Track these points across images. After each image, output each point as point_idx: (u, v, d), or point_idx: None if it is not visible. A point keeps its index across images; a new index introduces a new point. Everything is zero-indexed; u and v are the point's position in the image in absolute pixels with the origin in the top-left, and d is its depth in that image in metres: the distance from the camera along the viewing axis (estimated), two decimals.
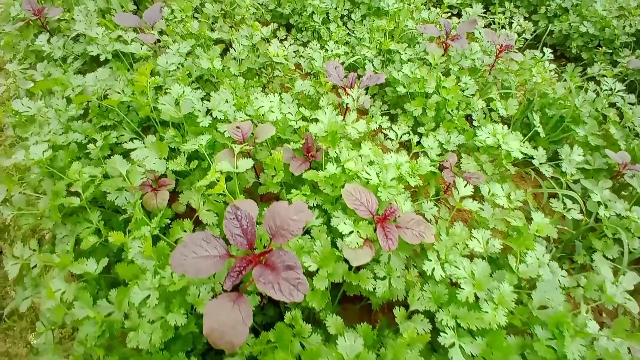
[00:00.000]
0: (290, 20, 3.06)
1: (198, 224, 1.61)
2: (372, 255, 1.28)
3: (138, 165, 1.62)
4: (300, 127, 1.79)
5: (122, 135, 1.90)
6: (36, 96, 2.59)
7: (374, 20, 2.88)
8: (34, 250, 1.60)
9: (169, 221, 1.54)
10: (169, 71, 1.96)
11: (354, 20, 2.95)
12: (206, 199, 1.62)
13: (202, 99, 1.82)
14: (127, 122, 1.93)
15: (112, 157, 1.69)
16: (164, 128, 1.96)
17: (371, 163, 1.60)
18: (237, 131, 1.70)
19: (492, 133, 1.87)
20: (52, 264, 1.52)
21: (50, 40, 2.38)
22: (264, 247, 1.37)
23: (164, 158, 1.62)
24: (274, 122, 1.74)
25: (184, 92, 1.78)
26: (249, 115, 1.81)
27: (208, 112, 1.75)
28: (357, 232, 1.32)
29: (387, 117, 2.03)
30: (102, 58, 2.04)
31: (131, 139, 1.77)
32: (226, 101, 1.83)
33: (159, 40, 2.29)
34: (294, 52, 2.64)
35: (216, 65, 2.10)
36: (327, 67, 2.21)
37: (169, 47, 2.24)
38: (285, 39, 3.01)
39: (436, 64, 2.31)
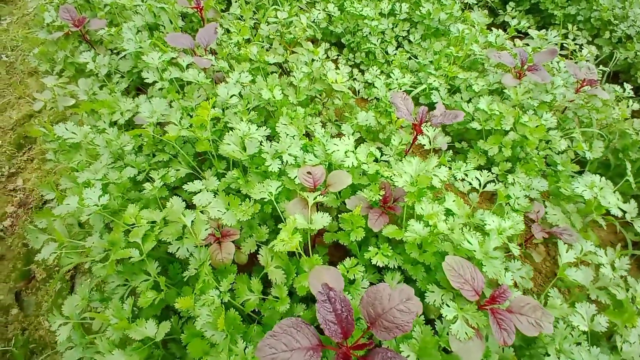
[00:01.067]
0: (342, 39, 2.88)
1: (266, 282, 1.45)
2: (484, 348, 1.09)
3: (200, 211, 1.47)
4: (367, 167, 1.61)
5: (177, 170, 1.74)
6: (80, 118, 2.47)
7: (433, 43, 2.68)
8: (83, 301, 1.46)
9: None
10: (229, 103, 1.80)
11: (411, 42, 2.75)
12: (274, 254, 1.45)
13: (268, 138, 1.65)
14: (182, 155, 1.78)
15: (170, 198, 1.54)
16: (220, 161, 1.81)
17: (466, 226, 1.41)
18: (308, 177, 1.53)
19: (589, 186, 1.66)
20: (106, 323, 1.37)
21: (95, 58, 2.25)
22: (362, 330, 1.19)
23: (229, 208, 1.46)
24: (349, 169, 1.56)
25: (249, 129, 1.62)
26: (318, 157, 1.63)
27: (276, 154, 1.58)
28: (464, 319, 1.14)
29: (450, 153, 1.84)
30: (158, 86, 1.89)
31: (190, 179, 1.61)
32: (291, 137, 1.66)
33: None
34: (347, 73, 2.47)
35: (277, 95, 1.93)
36: (394, 99, 2.02)
37: (224, 73, 2.08)
38: (336, 60, 2.84)
39: (517, 100, 2.10)
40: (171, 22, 2.45)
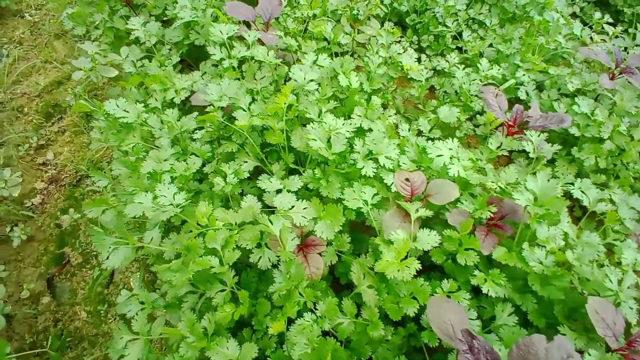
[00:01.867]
0: (406, 19, 2.60)
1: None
2: None
3: (282, 217, 1.27)
4: (468, 176, 1.40)
5: (245, 162, 1.54)
6: (122, 92, 2.24)
7: (512, 29, 2.41)
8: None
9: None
10: (306, 90, 1.57)
11: (486, 26, 2.48)
12: (366, 272, 1.27)
13: (355, 133, 1.44)
14: (251, 145, 1.57)
15: (243, 197, 1.35)
16: (289, 154, 1.60)
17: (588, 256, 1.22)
18: (406, 184, 1.33)
19: None
20: (178, 338, 1.21)
21: (145, 24, 2.00)
22: None
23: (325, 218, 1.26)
24: (454, 178, 1.36)
25: (336, 123, 1.41)
26: (415, 161, 1.42)
27: (369, 154, 1.37)
28: None
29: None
30: (225, 64, 1.65)
31: (257, 173, 1.42)
32: (381, 134, 1.45)
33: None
34: (416, 59, 2.21)
35: (353, 82, 1.70)
36: (486, 95, 1.79)
37: (291, 52, 1.84)
38: (399, 42, 2.57)
39: (622, 107, 1.86)
40: None
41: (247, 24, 2.02)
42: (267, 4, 1.96)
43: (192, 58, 2.36)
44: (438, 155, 1.34)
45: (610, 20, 2.50)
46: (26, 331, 1.96)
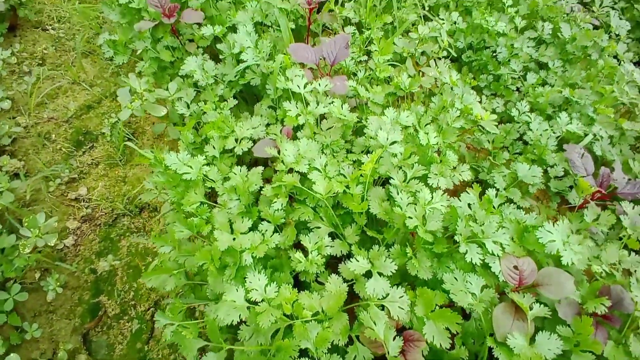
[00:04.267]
0: (462, 56, 2.49)
1: None
2: None
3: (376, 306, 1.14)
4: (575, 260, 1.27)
5: (318, 228, 1.40)
6: (175, 136, 2.10)
7: (576, 72, 2.29)
8: None
9: None
10: (389, 151, 1.44)
11: (548, 68, 2.36)
12: None
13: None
14: (325, 209, 1.43)
15: (328, 276, 1.22)
16: (364, 216, 1.47)
17: None
18: (514, 273, 1.19)
19: None
20: None
21: (204, 66, 1.86)
22: None
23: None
24: (566, 267, 1.23)
25: (432, 197, 1.28)
26: (515, 242, 1.29)
27: (474, 237, 1.24)
28: None
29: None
30: (301, 121, 1.52)
31: (331, 238, 1.28)
32: (478, 209, 1.32)
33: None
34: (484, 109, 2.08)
35: (432, 139, 1.57)
36: (571, 154, 1.67)
37: (364, 105, 1.70)
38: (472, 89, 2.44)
39: None
40: (288, 26, 2.03)
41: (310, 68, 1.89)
42: (332, 46, 1.84)
43: (245, 96, 2.23)
44: (550, 241, 1.21)
45: None
46: None
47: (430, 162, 1.63)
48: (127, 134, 2.56)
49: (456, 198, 1.46)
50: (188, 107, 1.88)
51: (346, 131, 1.70)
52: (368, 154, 1.45)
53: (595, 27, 2.64)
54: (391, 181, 1.40)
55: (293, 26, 2.14)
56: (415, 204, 1.29)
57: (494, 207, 1.34)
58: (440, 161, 1.61)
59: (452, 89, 1.92)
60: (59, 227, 2.25)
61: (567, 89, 2.14)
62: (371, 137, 1.50)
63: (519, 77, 2.30)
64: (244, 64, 1.75)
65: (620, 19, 2.65)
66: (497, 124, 1.86)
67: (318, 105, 1.53)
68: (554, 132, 1.91)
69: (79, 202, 2.34)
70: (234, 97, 2.06)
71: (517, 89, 2.36)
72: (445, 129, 1.74)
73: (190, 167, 1.53)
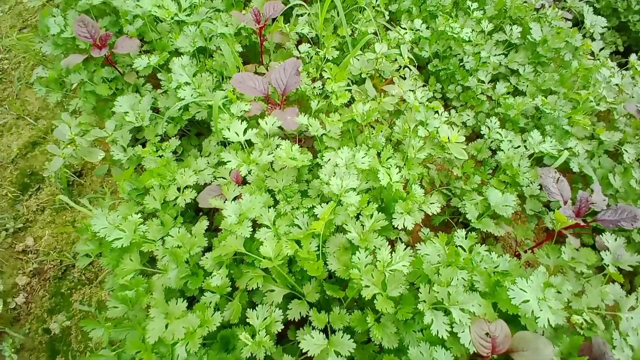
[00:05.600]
0: (428, 66, 2.33)
1: None
2: None
3: None
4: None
5: (272, 291, 1.25)
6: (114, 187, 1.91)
7: (548, 77, 2.16)
8: None
9: None
10: (343, 201, 1.28)
11: (519, 74, 2.22)
12: None
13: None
14: (277, 271, 1.28)
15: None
16: (323, 269, 1.32)
17: None
18: (485, 340, 1.07)
19: None
20: None
21: (137, 105, 1.67)
22: None
23: None
24: (543, 329, 1.10)
25: (391, 258, 1.13)
26: (487, 296, 1.16)
27: (437, 303, 1.10)
28: None
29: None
30: (243, 173, 1.35)
31: (286, 301, 1.15)
32: (443, 263, 1.18)
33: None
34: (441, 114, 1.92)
35: (394, 177, 1.42)
36: (546, 180, 1.55)
37: (317, 140, 1.53)
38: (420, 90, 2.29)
39: None
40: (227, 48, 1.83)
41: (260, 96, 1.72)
42: (282, 73, 1.67)
43: (194, 127, 2.05)
44: (524, 301, 1.08)
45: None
46: None
47: (395, 199, 1.49)
48: (71, 175, 2.35)
49: (422, 243, 1.33)
50: (125, 150, 1.69)
51: (302, 170, 1.54)
52: (323, 204, 1.30)
53: (569, 21, 2.50)
54: (348, 235, 1.25)
55: (239, 50, 1.95)
56: (375, 265, 1.14)
57: (465, 250, 1.20)
58: (405, 199, 1.47)
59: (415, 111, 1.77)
60: (8, 283, 2.07)
61: (540, 98, 2.01)
62: (326, 183, 1.34)
63: (488, 87, 2.16)
64: (181, 102, 1.57)
65: (596, 11, 2.51)
66: (465, 146, 1.72)
67: (262, 152, 1.36)
68: (527, 149, 1.78)
69: (26, 255, 2.15)
70: (180, 133, 1.88)
71: (489, 97, 2.22)
72: (410, 159, 1.59)
73: (123, 230, 1.36)
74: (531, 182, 1.79)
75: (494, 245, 1.85)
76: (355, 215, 1.29)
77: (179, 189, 1.52)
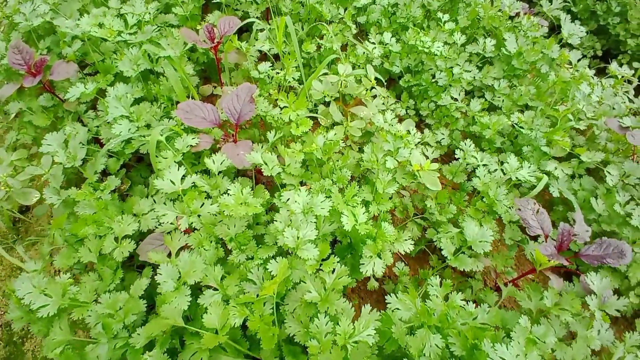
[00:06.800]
0: (399, 81, 2.19)
1: None
2: None
3: None
4: None
5: None
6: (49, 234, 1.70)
7: (523, 92, 2.05)
8: None
9: None
10: (299, 254, 1.13)
11: (494, 89, 2.11)
12: None
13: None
14: (244, 348, 1.11)
15: None
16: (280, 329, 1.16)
17: None
18: None
19: None
20: None
21: (68, 141, 1.47)
22: None
23: None
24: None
25: (354, 330, 0.98)
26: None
27: None
28: None
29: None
30: (183, 226, 1.18)
31: None
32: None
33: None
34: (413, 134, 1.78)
35: (361, 218, 1.28)
36: (524, 213, 1.43)
37: (274, 177, 1.37)
38: (393, 109, 2.15)
39: None
40: (175, 69, 1.64)
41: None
42: (235, 101, 1.49)
43: (144, 158, 1.85)
44: None
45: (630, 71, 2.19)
46: None
47: (363, 239, 1.34)
48: (14, 213, 2.12)
49: (393, 294, 1.18)
50: (58, 192, 1.49)
51: (258, 213, 1.37)
52: (278, 258, 1.14)
53: (545, 27, 2.40)
54: (306, 295, 1.09)
55: (194, 70, 1.77)
56: (336, 335, 0.99)
57: (438, 297, 1.06)
58: (375, 238, 1.33)
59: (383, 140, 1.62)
60: None
61: (516, 115, 1.90)
62: (282, 232, 1.18)
63: (462, 105, 2.03)
64: (116, 139, 1.38)
65: (574, 15, 2.41)
66: (437, 174, 1.59)
67: (204, 203, 1.18)
68: (504, 173, 1.66)
69: None
70: (128, 164, 1.69)
71: (464, 113, 2.09)
72: (378, 195, 1.44)
73: (50, 295, 1.17)
74: (509, 208, 1.67)
75: (473, 278, 1.73)
76: (315, 270, 1.13)
77: (116, 239, 1.33)
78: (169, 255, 1.27)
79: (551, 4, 2.38)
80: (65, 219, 1.43)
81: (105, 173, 1.63)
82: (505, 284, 1.63)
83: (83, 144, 1.52)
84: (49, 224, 2.15)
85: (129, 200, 1.50)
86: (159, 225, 1.38)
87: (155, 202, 1.48)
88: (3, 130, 2.36)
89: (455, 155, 1.75)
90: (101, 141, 1.71)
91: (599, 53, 3.15)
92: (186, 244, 1.27)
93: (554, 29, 2.89)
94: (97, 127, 1.75)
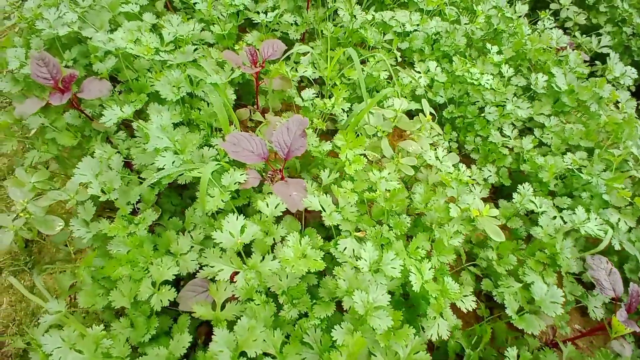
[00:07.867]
0: (443, 112, 2.09)
1: None
2: None
3: None
4: None
5: None
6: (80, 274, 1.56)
7: (575, 133, 1.96)
8: None
9: None
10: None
11: (544, 126, 2.01)
12: None
13: None
14: None
15: None
16: None
17: None
18: None
19: None
20: None
21: (100, 173, 1.34)
22: None
23: None
24: None
25: None
26: None
27: None
28: None
29: None
30: (239, 283, 1.05)
31: None
32: None
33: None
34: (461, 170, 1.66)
35: (427, 275, 1.16)
36: (596, 271, 1.34)
37: (334, 228, 1.25)
38: (435, 141, 2.04)
39: None
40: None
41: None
42: (285, 135, 1.38)
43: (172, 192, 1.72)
44: None
45: None
46: None
47: (426, 297, 1.22)
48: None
49: None
50: (87, 225, 1.36)
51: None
52: (343, 324, 1.01)
53: (587, 62, 2.32)
54: None
55: (232, 94, 1.65)
56: None
57: None
58: (437, 296, 1.20)
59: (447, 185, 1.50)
60: None
61: (569, 157, 1.80)
62: (348, 293, 1.05)
63: (514, 143, 1.93)
64: (160, 173, 1.25)
65: (621, 58, 2.33)
66: (497, 222, 1.47)
67: (264, 257, 1.06)
68: (564, 222, 1.55)
69: None
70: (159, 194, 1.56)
71: (510, 149, 1.99)
72: (440, 246, 1.32)
73: (81, 352, 1.03)
74: (570, 259, 1.56)
75: (526, 332, 1.60)
76: (385, 344, 1.01)
77: (153, 284, 1.20)
78: (213, 306, 1.15)
79: (600, 42, 2.30)
80: (94, 256, 1.30)
81: (136, 204, 1.50)
82: (564, 342, 1.51)
83: (117, 172, 1.39)
84: (66, 245, 2.01)
85: (164, 235, 1.37)
86: (200, 269, 1.25)
87: (192, 238, 1.35)
88: (21, 146, 2.23)
89: (506, 192, 1.64)
90: (132, 165, 1.59)
91: (632, 89, 3.08)
92: (233, 294, 1.14)
93: (591, 63, 2.83)
94: (128, 149, 1.63)
